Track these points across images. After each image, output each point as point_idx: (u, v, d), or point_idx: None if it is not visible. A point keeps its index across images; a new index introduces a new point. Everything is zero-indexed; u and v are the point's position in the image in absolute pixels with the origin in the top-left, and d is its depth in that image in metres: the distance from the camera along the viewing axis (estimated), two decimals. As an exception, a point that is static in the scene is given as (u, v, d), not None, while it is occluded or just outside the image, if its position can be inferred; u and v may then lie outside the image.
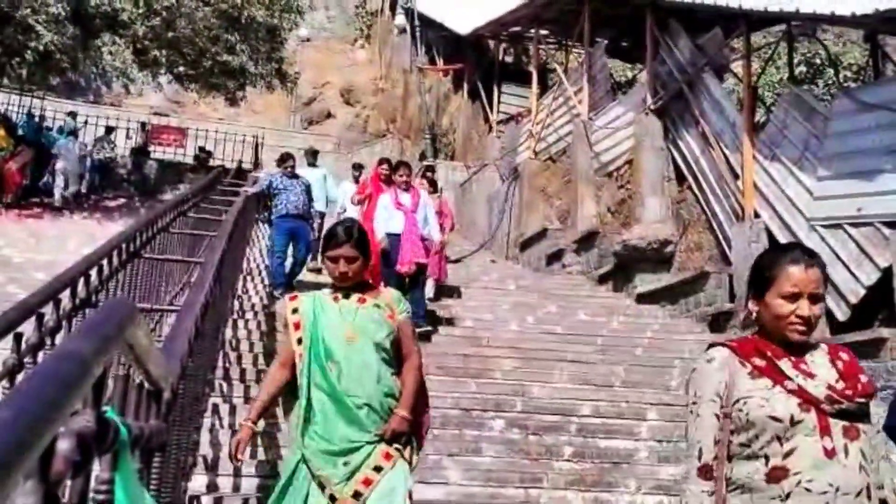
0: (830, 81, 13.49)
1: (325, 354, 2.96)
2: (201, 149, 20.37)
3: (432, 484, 4.99)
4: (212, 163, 19.11)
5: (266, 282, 9.58)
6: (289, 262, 9.15)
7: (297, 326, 3.04)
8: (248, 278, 9.71)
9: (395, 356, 3.07)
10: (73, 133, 17.83)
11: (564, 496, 5.14)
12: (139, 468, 1.41)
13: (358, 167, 11.71)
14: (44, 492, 0.77)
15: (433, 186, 10.51)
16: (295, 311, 3.08)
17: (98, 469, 1.09)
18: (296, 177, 9.43)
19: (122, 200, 16.67)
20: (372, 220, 8.95)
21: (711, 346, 2.19)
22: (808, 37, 13.30)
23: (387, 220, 8.24)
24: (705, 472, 2.03)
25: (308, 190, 9.43)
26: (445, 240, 9.69)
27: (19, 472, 0.67)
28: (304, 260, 9.40)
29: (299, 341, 3.01)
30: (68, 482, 0.92)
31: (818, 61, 14.32)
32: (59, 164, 15.97)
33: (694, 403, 2.10)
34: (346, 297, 3.07)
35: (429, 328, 7.67)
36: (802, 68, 14.34)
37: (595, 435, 5.96)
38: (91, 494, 1.07)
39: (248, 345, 6.91)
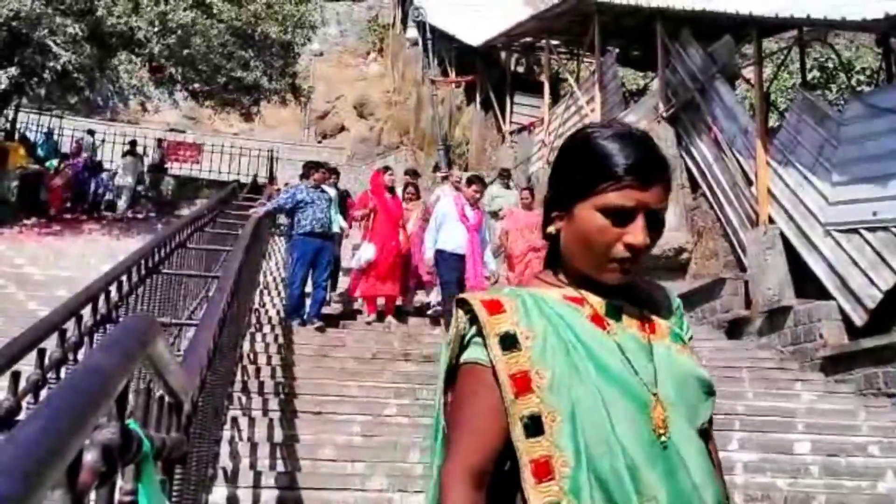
0: (843, 86, 13.43)
1: (629, 475, 1.17)
2: (265, 176, 20.23)
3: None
4: (267, 187, 18.67)
5: (283, 295, 9.55)
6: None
7: (520, 384, 1.21)
8: (265, 291, 9.77)
9: None
10: (132, 152, 18.10)
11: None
12: (161, 479, 1.44)
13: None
14: (71, 501, 0.80)
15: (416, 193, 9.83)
16: (510, 342, 1.23)
17: (122, 480, 1.13)
18: (322, 190, 8.68)
19: (140, 216, 16.86)
20: (378, 236, 8.85)
21: None
22: (821, 42, 13.26)
23: (445, 231, 7.05)
24: None
25: (331, 205, 8.68)
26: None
27: (49, 482, 0.70)
28: (328, 285, 8.72)
29: (530, 427, 1.20)
30: (94, 492, 0.95)
31: (831, 66, 14.27)
32: (119, 181, 16.74)
33: None
34: (615, 314, 1.30)
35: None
36: (815, 73, 14.29)
37: (612, 444, 5.94)
38: (115, 504, 1.11)
39: (265, 358, 6.95)
